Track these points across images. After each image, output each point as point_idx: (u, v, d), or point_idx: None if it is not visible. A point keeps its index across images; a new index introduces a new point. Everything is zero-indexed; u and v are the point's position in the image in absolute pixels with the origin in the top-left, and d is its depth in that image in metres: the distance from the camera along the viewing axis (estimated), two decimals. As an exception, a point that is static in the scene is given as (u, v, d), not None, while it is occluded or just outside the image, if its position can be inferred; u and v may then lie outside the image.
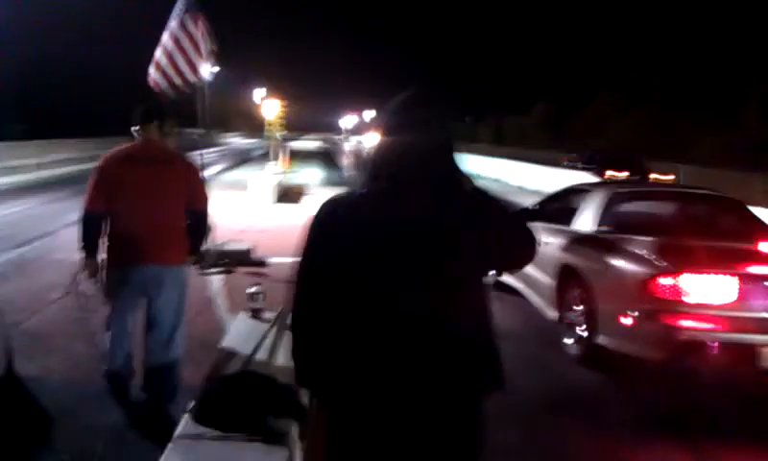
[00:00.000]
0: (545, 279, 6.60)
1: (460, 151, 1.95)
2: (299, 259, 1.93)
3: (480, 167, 32.13)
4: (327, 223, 1.91)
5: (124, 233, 3.90)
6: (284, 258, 8.15)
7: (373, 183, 1.91)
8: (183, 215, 4.08)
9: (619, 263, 5.44)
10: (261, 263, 8.60)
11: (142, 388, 4.17)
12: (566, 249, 6.23)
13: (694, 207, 6.54)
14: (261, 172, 19.38)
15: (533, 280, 7.04)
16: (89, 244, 3.96)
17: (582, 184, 7.66)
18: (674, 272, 4.99)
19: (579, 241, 6.10)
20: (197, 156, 8.65)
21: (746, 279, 4.92)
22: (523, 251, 2.04)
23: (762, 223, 6.20)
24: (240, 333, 4.37)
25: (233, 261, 8.27)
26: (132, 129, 4.07)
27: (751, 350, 4.89)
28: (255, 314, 4.40)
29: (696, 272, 4.95)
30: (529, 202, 8.55)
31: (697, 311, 4.93)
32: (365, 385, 1.86)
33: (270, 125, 21.75)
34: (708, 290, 4.93)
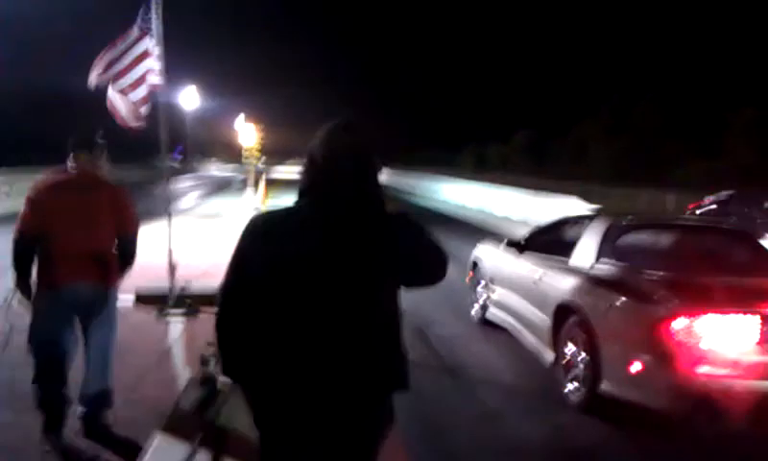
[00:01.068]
0: (540, 317, 6.00)
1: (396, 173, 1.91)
2: (230, 260, 2.15)
3: (463, 196, 31.66)
4: (257, 232, 2.13)
5: (53, 257, 3.98)
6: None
7: (302, 200, 2.15)
8: (113, 240, 4.16)
9: (626, 302, 4.85)
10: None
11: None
12: (564, 285, 5.64)
13: (702, 240, 5.98)
14: (238, 201, 18.71)
15: (526, 319, 6.43)
16: (21, 268, 4.02)
17: (578, 215, 7.11)
18: (690, 312, 4.41)
19: (578, 277, 5.50)
20: (163, 185, 8.02)
21: (771, 319, 4.35)
22: (434, 271, 2.19)
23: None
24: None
25: (198, 302, 7.45)
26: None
27: (779, 399, 4.30)
28: (206, 381, 3.80)
29: (715, 312, 4.38)
30: (518, 233, 7.96)
31: (717, 356, 4.36)
32: (285, 379, 2.06)
33: (247, 152, 21.04)
34: (728, 332, 4.36)
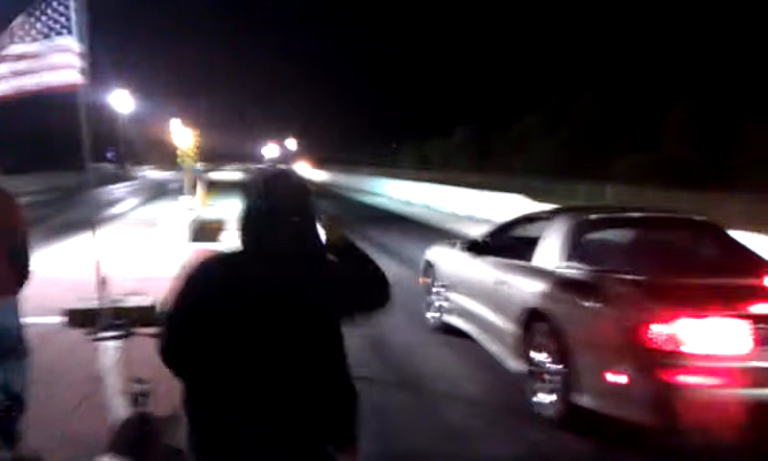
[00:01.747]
0: (507, 325, 5.63)
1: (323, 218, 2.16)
2: (170, 306, 2.08)
3: (407, 193, 31.47)
4: (196, 278, 2.07)
5: None
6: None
7: (242, 245, 2.10)
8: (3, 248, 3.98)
9: (601, 307, 4.52)
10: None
11: None
12: (531, 289, 5.28)
13: (671, 236, 5.71)
14: (174, 206, 17.84)
15: (489, 326, 6.07)
16: None
17: (540, 212, 6.77)
18: (671, 316, 4.10)
19: (547, 280, 5.15)
20: (89, 192, 7.34)
21: (759, 321, 4.07)
22: (377, 304, 2.17)
23: (755, 252, 5.41)
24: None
25: (133, 319, 6.81)
26: None
27: (768, 407, 4.03)
28: (143, 422, 3.35)
29: (699, 315, 4.08)
30: (469, 230, 7.60)
31: (702, 364, 4.05)
32: (222, 423, 2.01)
33: (182, 155, 19.91)
34: (714, 337, 4.06)
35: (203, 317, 2.02)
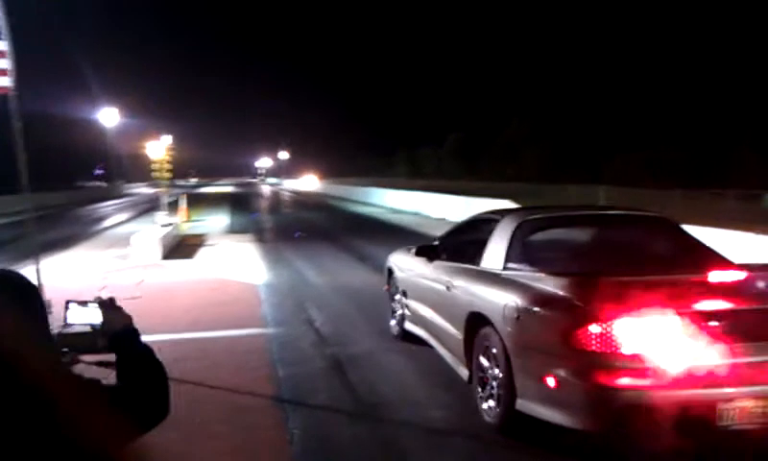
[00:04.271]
0: (452, 329, 5.42)
1: None
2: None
3: (398, 202, 31.31)
4: None
5: None
6: (154, 335, 6.27)
7: None
8: None
9: (536, 309, 4.29)
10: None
11: None
12: (473, 293, 5.07)
13: (622, 233, 5.48)
14: (153, 224, 17.54)
15: (440, 332, 5.85)
16: None
17: (489, 212, 6.52)
18: (607, 317, 3.86)
19: (487, 283, 4.93)
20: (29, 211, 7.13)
21: (698, 319, 3.84)
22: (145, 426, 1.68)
23: (706, 246, 5.19)
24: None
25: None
26: None
27: (709, 408, 3.78)
28: None
29: (634, 315, 3.84)
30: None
31: (638, 365, 3.81)
32: None
33: (158, 169, 19.30)
34: (651, 337, 3.82)
35: None
